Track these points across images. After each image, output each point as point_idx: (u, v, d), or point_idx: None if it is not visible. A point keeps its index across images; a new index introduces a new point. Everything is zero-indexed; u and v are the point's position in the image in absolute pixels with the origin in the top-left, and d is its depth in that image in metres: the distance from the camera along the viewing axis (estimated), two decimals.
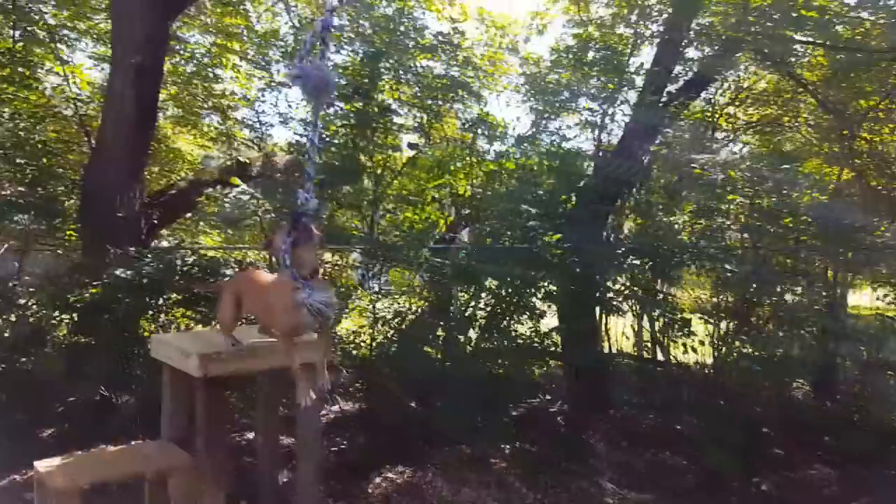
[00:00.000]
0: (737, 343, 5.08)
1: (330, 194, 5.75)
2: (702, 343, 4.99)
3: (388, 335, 5.49)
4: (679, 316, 4.71)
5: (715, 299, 5.51)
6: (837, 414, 5.18)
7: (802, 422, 5.24)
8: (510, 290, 4.93)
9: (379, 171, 6.13)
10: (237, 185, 4.90)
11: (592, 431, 5.34)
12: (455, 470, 4.51)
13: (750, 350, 4.87)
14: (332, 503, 4.01)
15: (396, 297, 6.11)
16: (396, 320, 5.29)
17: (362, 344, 5.46)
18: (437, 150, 7.11)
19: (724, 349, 5.19)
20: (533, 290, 4.82)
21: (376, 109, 5.07)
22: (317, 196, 2.36)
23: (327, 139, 5.49)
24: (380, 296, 5.38)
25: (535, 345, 5.07)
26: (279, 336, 2.60)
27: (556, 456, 4.71)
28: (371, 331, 5.42)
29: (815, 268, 5.65)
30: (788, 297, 5.14)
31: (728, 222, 4.87)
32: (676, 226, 4.99)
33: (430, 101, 6.28)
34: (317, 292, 2.35)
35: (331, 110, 5.64)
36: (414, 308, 6.13)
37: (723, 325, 5.32)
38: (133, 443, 3.36)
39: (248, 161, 6.57)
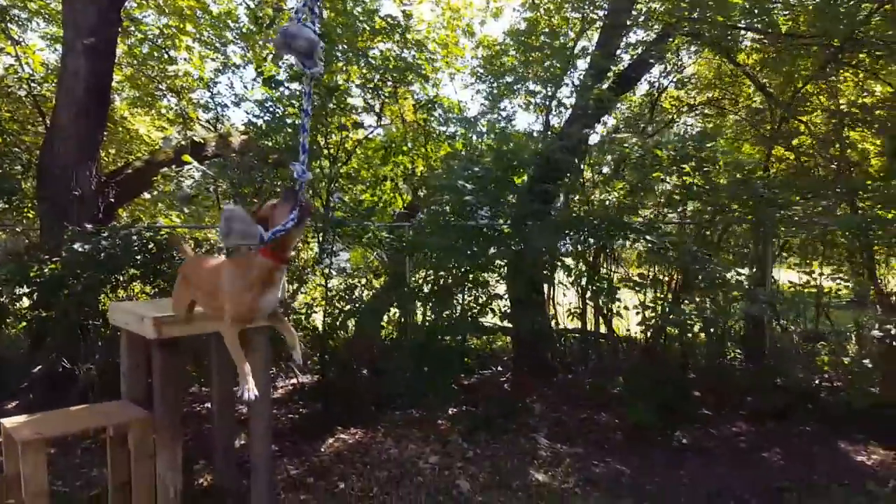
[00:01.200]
0: (672, 313, 5.48)
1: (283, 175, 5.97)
2: (626, 308, 5.38)
3: (344, 309, 5.75)
4: (605, 284, 5.06)
5: (647, 271, 5.93)
6: (761, 376, 5.62)
7: (730, 384, 5.71)
8: (458, 265, 5.22)
9: (334, 152, 6.34)
10: (190, 163, 5.08)
11: (534, 395, 5.70)
12: (402, 430, 4.84)
13: (678, 318, 5.26)
14: (286, 462, 4.29)
15: (352, 273, 6.38)
16: (347, 293, 5.54)
17: (316, 317, 5.71)
18: (395, 133, 7.36)
19: (656, 319, 5.59)
20: (480, 264, 5.11)
21: (324, 91, 5.26)
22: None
23: (279, 119, 5.67)
24: (332, 272, 5.61)
25: (483, 315, 5.39)
26: (227, 323, 2.48)
27: (496, 416, 5.06)
28: (326, 305, 5.67)
29: (740, 242, 6.08)
30: (717, 270, 5.55)
31: (653, 199, 5.24)
32: (607, 202, 5.34)
33: (382, 83, 6.49)
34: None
35: (285, 91, 5.81)
36: (368, 283, 6.42)
37: (656, 294, 5.74)
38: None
39: (203, 141, 6.71)
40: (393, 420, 5.05)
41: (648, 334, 5.72)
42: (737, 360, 6.41)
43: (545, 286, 6.39)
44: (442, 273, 5.18)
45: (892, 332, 5.26)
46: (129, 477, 3.27)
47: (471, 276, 5.18)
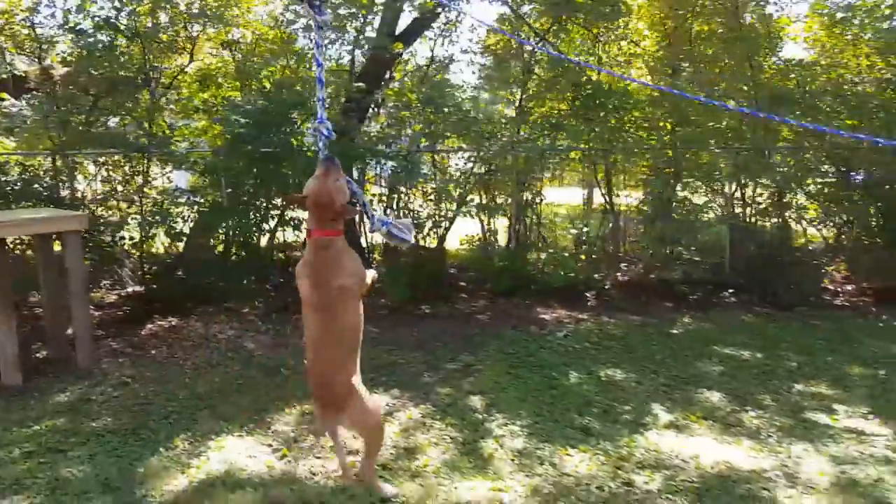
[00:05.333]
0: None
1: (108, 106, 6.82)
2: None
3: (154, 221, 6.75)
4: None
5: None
6: (499, 266, 7.40)
7: (479, 272, 7.51)
8: (254, 187, 6.40)
9: (154, 85, 7.17)
10: (5, 99, 5.82)
11: None
12: (211, 316, 6.14)
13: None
14: (109, 341, 5.47)
15: (175, 194, 7.34)
16: (159, 210, 6.57)
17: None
18: (210, 67, 8.22)
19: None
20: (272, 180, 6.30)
21: (130, 34, 6.07)
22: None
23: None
24: (149, 191, 6.62)
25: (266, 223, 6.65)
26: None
27: (291, 303, 6.45)
28: (142, 222, 6.66)
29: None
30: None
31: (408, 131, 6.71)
32: (372, 134, 6.72)
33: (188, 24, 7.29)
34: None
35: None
36: (195, 203, 7.38)
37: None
38: None
39: (24, 74, 7.23)
40: (205, 311, 6.30)
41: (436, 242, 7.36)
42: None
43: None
44: (238, 191, 6.33)
45: (584, 230, 7.23)
46: None
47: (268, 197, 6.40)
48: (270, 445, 3.61)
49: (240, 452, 3.51)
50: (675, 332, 5.84)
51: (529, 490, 3.11)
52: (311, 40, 2.98)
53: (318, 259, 2.62)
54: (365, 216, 2.77)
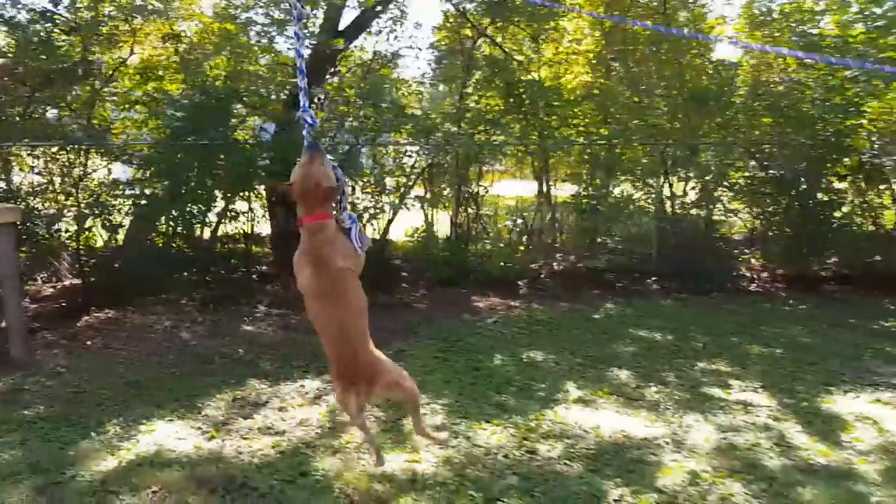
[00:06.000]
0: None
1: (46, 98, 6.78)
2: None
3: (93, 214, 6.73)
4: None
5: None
6: (440, 257, 7.65)
7: (422, 262, 7.74)
8: (196, 179, 6.45)
9: (93, 77, 7.12)
10: None
11: (275, 283, 7.28)
12: (148, 307, 6.20)
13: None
14: (45, 333, 5.49)
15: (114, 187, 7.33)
16: (96, 203, 6.57)
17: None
18: (150, 59, 8.19)
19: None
20: (210, 176, 6.37)
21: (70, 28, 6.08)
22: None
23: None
24: (84, 185, 6.62)
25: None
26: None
27: (231, 294, 6.57)
28: (77, 213, 6.64)
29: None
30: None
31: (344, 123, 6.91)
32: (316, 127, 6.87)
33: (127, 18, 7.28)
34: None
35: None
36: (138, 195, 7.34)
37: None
38: None
39: None
40: (143, 303, 6.35)
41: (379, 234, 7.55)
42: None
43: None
44: (179, 184, 6.38)
45: (518, 222, 7.54)
46: None
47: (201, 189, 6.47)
48: (200, 428, 3.77)
49: (169, 435, 3.66)
50: (597, 316, 6.19)
51: (442, 460, 3.36)
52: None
53: (314, 244, 2.62)
54: (339, 204, 2.72)
